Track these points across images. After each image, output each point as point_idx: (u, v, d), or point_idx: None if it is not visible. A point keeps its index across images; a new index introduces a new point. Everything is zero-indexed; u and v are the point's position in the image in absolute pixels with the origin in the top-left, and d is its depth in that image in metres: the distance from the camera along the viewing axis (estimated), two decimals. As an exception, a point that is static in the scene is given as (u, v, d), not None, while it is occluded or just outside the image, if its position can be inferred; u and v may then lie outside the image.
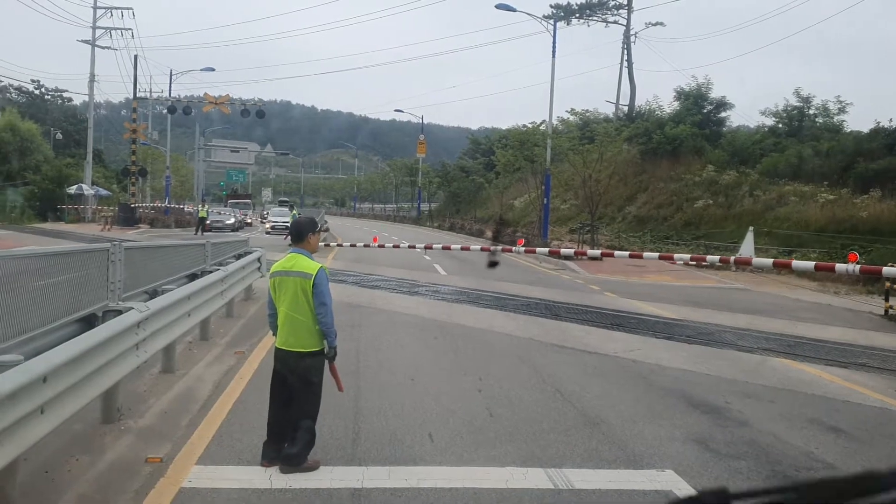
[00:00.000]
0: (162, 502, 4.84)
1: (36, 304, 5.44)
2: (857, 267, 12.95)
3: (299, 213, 39.99)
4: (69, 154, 62.60)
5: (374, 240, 23.81)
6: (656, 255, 20.71)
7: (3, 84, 73.88)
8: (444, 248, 23.11)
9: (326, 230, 35.84)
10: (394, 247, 23.82)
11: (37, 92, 73.64)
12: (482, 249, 25.11)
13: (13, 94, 73.49)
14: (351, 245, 24.92)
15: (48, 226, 43.66)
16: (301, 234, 5.72)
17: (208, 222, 43.06)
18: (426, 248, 23.52)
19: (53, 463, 5.44)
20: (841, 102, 39.82)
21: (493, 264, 23.10)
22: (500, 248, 25.20)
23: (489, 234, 44.08)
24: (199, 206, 46.76)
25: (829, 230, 27.68)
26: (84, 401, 5.27)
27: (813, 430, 7.11)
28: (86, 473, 5.31)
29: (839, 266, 13.23)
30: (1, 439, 4.04)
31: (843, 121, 39.71)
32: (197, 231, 40.31)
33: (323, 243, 28.35)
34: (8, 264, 5.12)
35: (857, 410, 7.98)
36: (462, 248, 25.75)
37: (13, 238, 31.35)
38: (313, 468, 5.44)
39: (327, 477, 5.35)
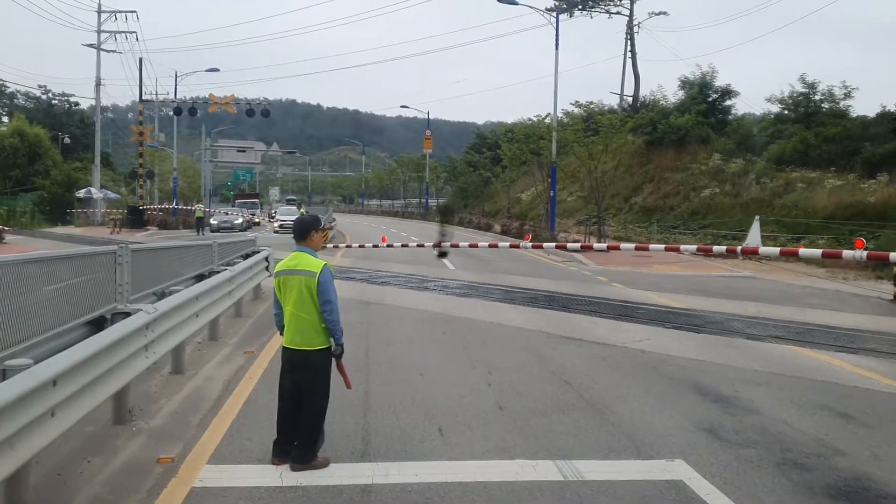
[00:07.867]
0: (174, 502, 4.88)
1: (45, 307, 5.48)
2: (865, 253, 12.90)
3: (307, 211, 40.12)
4: (77, 158, 62.94)
5: (383, 239, 23.98)
6: (662, 246, 20.71)
7: (10, 90, 74.37)
8: (451, 245, 23.23)
9: (331, 227, 35.79)
10: (402, 245, 24.00)
11: (44, 97, 73.91)
12: (433, 246, 25.11)
13: (21, 100, 73.89)
14: (359, 245, 25.06)
15: (58, 230, 43.89)
16: (304, 232, 5.72)
17: (213, 222, 43.20)
18: (435, 245, 23.63)
19: (66, 465, 5.49)
20: (846, 87, 39.52)
21: (442, 255, 23.07)
22: (448, 241, 25.18)
23: (498, 228, 44.07)
24: (196, 205, 46.96)
25: (837, 216, 27.55)
26: (94, 403, 5.30)
27: (823, 416, 7.11)
28: (98, 475, 5.35)
29: (846, 253, 13.18)
30: (12, 443, 4.07)
31: (850, 106, 39.35)
32: (198, 231, 40.41)
33: (331, 244, 28.40)
34: (17, 269, 5.15)
35: (866, 396, 7.98)
36: (470, 246, 25.76)
37: (25, 242, 31.57)
38: (323, 465, 5.48)
39: (337, 474, 5.38)
